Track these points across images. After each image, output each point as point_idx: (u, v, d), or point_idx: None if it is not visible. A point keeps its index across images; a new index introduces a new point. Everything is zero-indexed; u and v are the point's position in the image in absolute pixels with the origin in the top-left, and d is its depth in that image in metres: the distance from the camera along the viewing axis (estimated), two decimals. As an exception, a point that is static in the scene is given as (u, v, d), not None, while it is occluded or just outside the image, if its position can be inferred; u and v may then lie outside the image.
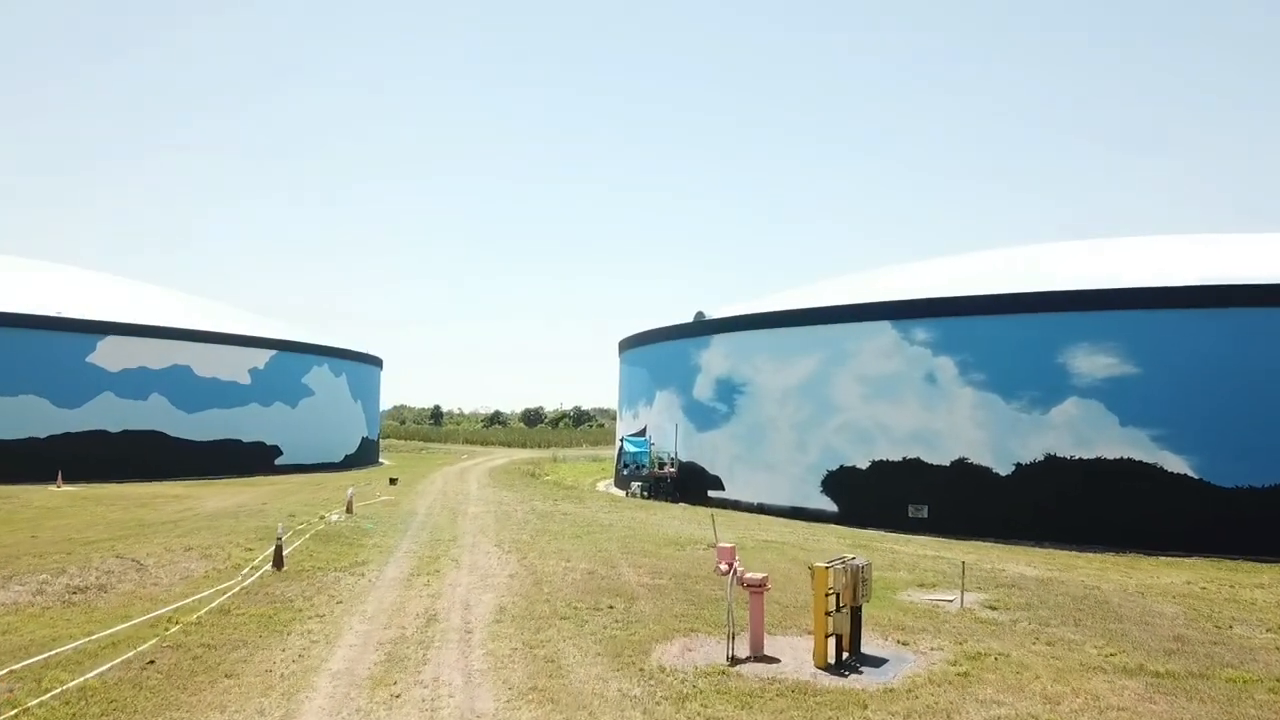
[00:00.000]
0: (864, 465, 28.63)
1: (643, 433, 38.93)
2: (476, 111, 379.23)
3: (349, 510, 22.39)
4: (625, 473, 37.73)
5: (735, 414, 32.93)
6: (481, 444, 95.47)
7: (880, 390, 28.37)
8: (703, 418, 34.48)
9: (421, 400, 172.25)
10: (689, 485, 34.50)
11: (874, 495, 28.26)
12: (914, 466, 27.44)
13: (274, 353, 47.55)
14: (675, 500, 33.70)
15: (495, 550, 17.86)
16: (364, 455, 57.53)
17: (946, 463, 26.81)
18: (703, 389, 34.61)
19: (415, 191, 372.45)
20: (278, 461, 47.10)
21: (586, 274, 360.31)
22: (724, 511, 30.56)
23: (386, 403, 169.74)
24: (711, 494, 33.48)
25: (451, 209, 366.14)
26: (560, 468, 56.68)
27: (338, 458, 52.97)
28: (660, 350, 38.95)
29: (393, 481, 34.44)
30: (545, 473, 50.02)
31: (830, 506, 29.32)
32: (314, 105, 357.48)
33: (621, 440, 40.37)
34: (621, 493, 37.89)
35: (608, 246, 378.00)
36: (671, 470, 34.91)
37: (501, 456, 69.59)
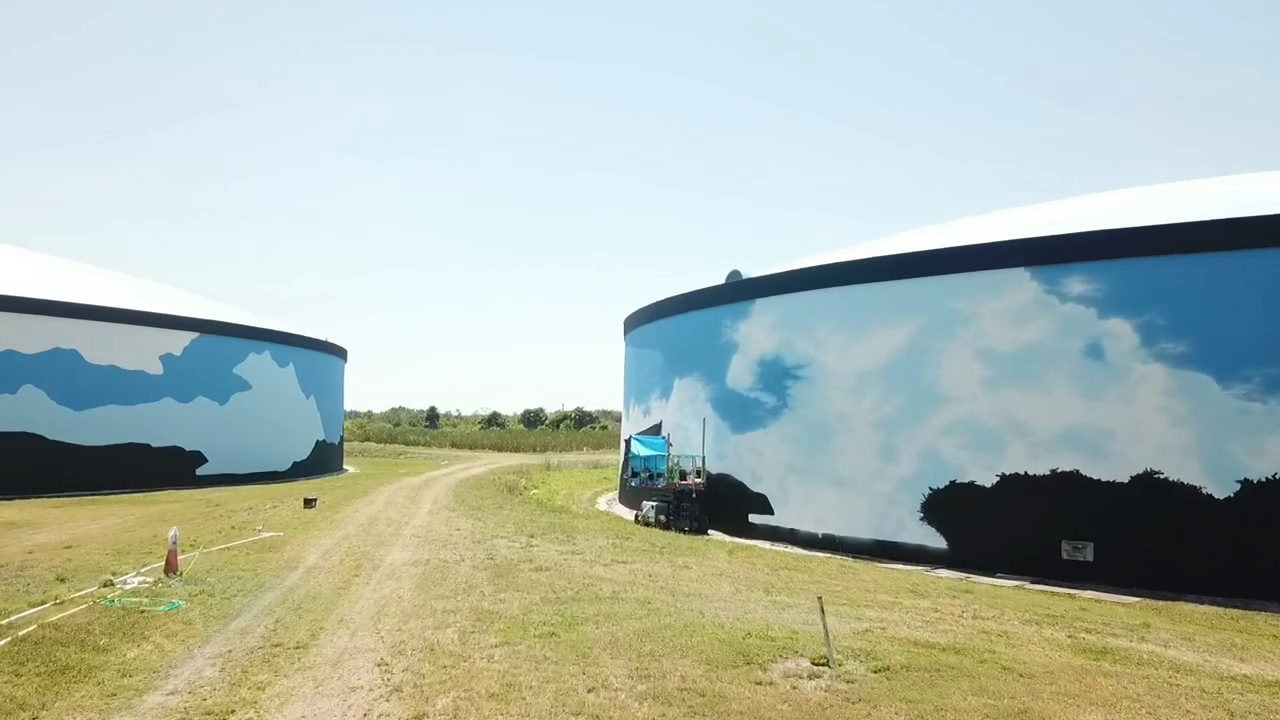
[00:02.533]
0: (987, 482, 19.33)
1: (658, 430, 29.45)
2: (469, 112, 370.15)
3: (169, 568, 13.03)
4: (634, 484, 28.22)
5: (788, 408, 23.59)
6: (470, 448, 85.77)
7: (1013, 371, 19.12)
8: (741, 414, 25.11)
9: (422, 403, 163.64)
10: (721, 506, 25.09)
11: (1004, 526, 19.02)
12: (1069, 483, 18.19)
13: (195, 335, 38.10)
14: (703, 530, 24.37)
15: (367, 688, 8.47)
16: (321, 462, 48.11)
17: (1123, 478, 17.55)
18: (740, 374, 25.26)
19: (416, 189, 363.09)
20: (201, 471, 37.74)
21: (588, 276, 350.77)
22: (778, 549, 21.29)
23: (385, 405, 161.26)
24: (754, 519, 24.14)
25: (452, 206, 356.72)
26: (553, 477, 46.98)
27: (284, 465, 43.54)
28: (680, 325, 29.49)
29: (308, 503, 24.83)
30: (532, 485, 40.38)
31: (936, 541, 20.02)
32: (308, 97, 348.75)
33: (628, 441, 30.70)
34: (628, 513, 28.53)
35: (612, 246, 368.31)
36: (698, 482, 25.48)
37: (487, 463, 60.03)
